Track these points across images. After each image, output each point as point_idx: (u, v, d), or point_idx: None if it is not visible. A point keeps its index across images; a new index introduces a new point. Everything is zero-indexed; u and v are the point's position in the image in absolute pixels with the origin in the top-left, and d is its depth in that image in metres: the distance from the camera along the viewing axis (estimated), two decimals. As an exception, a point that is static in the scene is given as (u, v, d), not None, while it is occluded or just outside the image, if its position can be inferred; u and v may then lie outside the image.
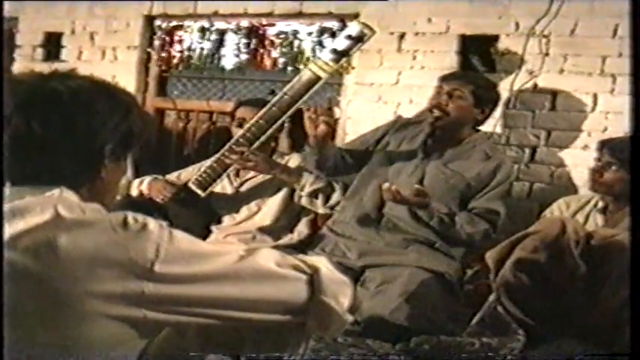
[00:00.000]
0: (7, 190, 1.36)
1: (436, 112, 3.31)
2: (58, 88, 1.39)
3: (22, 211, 1.30)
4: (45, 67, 4.88)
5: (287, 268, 1.44)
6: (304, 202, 3.60)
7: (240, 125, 3.68)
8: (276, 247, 3.48)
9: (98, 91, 1.44)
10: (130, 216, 1.33)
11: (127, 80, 4.66)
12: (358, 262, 3.23)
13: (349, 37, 3.32)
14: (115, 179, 1.52)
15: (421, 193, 3.10)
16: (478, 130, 3.46)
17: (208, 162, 3.71)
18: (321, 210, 3.59)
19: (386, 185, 3.09)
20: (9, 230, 1.28)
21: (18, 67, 5.04)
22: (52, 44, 5.00)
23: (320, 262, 1.51)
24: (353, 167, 3.51)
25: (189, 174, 3.80)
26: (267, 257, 1.43)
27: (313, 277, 1.46)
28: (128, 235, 1.31)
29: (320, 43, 4.16)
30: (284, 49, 4.34)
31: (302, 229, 3.73)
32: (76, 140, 1.38)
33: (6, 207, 1.32)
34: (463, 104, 3.29)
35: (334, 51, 3.34)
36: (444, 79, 3.41)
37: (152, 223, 1.34)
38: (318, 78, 3.31)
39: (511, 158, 3.68)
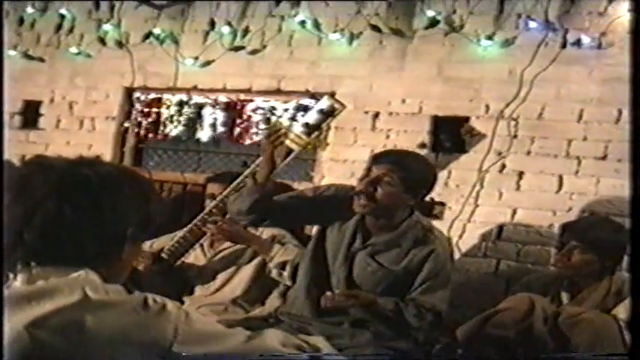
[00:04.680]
0: (33, 270, 1.43)
1: (362, 200, 3.03)
2: (88, 175, 1.47)
3: (50, 292, 1.38)
4: (22, 135, 4.94)
5: (291, 348, 1.52)
6: (273, 274, 3.62)
7: (214, 198, 3.73)
8: (247, 319, 3.52)
9: (123, 177, 1.54)
10: (150, 297, 1.42)
11: (104, 150, 4.73)
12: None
13: (320, 111, 3.40)
14: (132, 259, 1.61)
15: (352, 296, 3.02)
16: (412, 213, 3.14)
17: (181, 232, 3.74)
18: (288, 282, 3.58)
19: (328, 294, 3.01)
20: (37, 310, 1.35)
21: (-6, 133, 5.07)
22: (30, 112, 5.07)
23: (319, 342, 1.60)
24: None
25: (161, 243, 3.81)
26: (273, 338, 1.52)
27: (314, 357, 1.55)
28: (148, 316, 1.40)
29: (295, 120, 4.26)
30: (260, 125, 4.43)
31: (274, 301, 3.73)
32: (102, 223, 1.46)
33: (33, 287, 1.40)
34: (392, 191, 3.00)
35: (306, 125, 3.41)
36: (376, 159, 3.13)
37: (170, 304, 1.43)
38: (290, 150, 3.38)
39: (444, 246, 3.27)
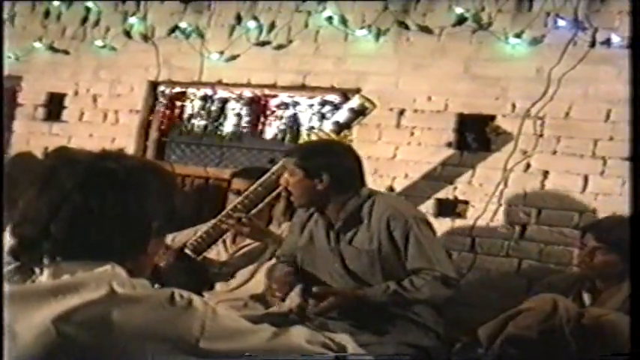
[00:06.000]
0: (60, 264, 1.43)
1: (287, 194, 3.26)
2: (114, 168, 1.47)
3: (77, 286, 1.38)
4: (45, 127, 4.96)
5: (316, 346, 1.52)
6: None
7: (238, 193, 3.72)
8: (267, 315, 3.51)
9: (148, 170, 1.55)
10: (177, 292, 1.42)
11: (127, 143, 4.76)
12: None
13: (351, 110, 3.43)
14: (156, 253, 1.61)
15: (328, 293, 3.08)
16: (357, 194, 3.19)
17: (204, 227, 3.74)
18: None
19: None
20: (64, 305, 1.35)
21: (18, 125, 5.11)
22: (54, 104, 5.09)
23: (345, 339, 1.59)
24: None
25: (184, 237, 3.82)
26: (299, 335, 1.52)
27: (339, 355, 1.54)
28: (175, 312, 1.39)
29: (321, 116, 4.26)
30: (284, 120, 4.43)
31: (294, 298, 3.71)
32: (129, 217, 1.46)
33: (59, 281, 1.40)
34: (295, 179, 3.15)
35: (336, 123, 3.44)
36: (287, 154, 3.33)
37: (197, 300, 1.42)
38: (319, 149, 3.37)
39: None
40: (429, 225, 3.23)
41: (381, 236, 3.09)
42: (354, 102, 3.47)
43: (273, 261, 3.70)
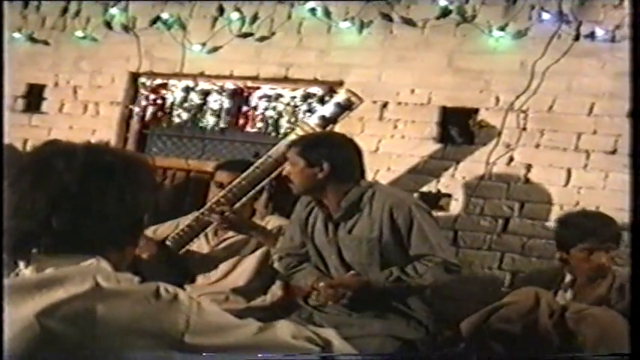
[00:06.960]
0: (45, 258, 1.41)
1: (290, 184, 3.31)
2: (112, 161, 1.47)
3: (61, 280, 1.36)
4: (24, 119, 4.90)
5: (302, 341, 1.52)
6: (277, 265, 3.59)
7: (221, 186, 3.69)
8: (248, 309, 3.49)
9: (138, 163, 1.55)
10: (162, 287, 1.41)
11: (107, 135, 4.70)
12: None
13: (337, 104, 3.41)
14: (137, 245, 1.61)
15: (339, 284, 3.14)
16: (349, 184, 3.22)
17: (187, 220, 3.71)
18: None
19: (321, 286, 3.18)
20: (48, 299, 1.33)
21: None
22: (34, 96, 5.02)
23: (330, 334, 1.58)
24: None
25: (165, 229, 3.78)
26: (284, 330, 1.51)
27: (325, 349, 1.54)
28: (160, 306, 1.38)
29: (308, 109, 4.23)
30: (266, 112, 4.39)
31: (276, 291, 3.70)
32: (127, 210, 1.47)
33: (44, 275, 1.38)
34: (297, 169, 3.22)
35: (322, 117, 3.42)
36: (288, 145, 3.37)
37: (182, 295, 1.41)
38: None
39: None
40: (430, 213, 3.28)
41: (383, 224, 3.11)
42: (341, 96, 3.46)
43: (257, 253, 3.69)
